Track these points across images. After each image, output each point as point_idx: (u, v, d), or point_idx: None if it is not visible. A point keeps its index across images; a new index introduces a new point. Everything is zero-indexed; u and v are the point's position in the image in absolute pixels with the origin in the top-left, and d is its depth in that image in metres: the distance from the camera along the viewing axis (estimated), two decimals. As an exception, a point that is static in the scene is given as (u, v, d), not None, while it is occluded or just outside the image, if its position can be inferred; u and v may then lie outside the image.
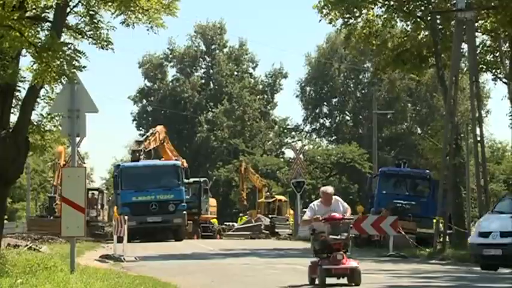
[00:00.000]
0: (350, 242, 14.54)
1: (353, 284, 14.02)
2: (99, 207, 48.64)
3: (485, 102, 71.91)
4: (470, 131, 38.64)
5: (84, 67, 14.89)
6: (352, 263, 14.08)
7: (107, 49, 16.56)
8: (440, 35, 37.28)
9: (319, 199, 14.78)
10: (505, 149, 76.98)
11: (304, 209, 53.85)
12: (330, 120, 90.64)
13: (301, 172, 46.42)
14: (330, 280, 13.92)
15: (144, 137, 48.77)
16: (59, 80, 14.55)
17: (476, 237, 21.48)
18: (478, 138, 33.39)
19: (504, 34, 36.41)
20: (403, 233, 28.85)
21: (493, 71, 40.16)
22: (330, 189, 14.96)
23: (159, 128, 50.52)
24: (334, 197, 14.72)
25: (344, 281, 14.06)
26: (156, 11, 14.70)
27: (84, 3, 16.73)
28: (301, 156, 49.42)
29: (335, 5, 36.12)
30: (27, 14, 15.68)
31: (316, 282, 14.22)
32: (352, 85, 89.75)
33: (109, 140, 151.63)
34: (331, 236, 14.07)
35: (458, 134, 36.22)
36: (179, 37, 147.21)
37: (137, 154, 44.09)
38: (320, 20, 36.99)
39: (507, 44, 37.61)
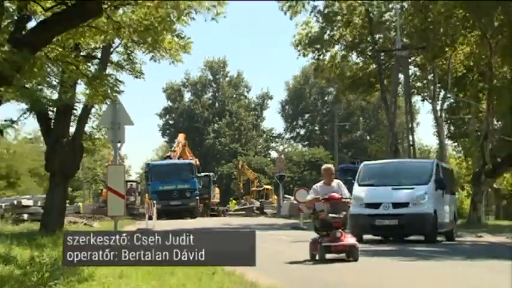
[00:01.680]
0: (348, 220, 12.00)
1: (351, 260, 11.56)
2: (137, 194, 48.53)
3: (416, 117, 71.98)
4: (405, 137, 38.67)
5: (122, 91, 14.88)
6: (350, 240, 11.66)
7: (139, 78, 16.64)
8: (383, 67, 37.41)
9: (322, 181, 12.14)
10: (430, 150, 77.18)
11: (286, 195, 54.23)
12: (304, 130, 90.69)
13: (283, 168, 46.33)
14: (329, 255, 11.62)
15: (173, 148, 49.43)
16: (104, 101, 14.49)
17: (363, 208, 17.30)
18: (411, 143, 33.53)
19: (430, 67, 36.55)
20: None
21: (422, 93, 40.29)
22: (329, 165, 12.51)
23: (181, 137, 50.73)
24: (336, 180, 12.23)
25: (343, 256, 11.67)
26: (176, 50, 14.66)
27: (123, 45, 16.77)
28: (282, 156, 49.35)
29: (307, 46, 36.37)
30: (81, 53, 15.68)
31: (317, 258, 11.70)
32: (319, 104, 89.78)
33: (141, 145, 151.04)
34: (330, 215, 11.59)
35: (397, 140, 36.28)
36: (193, 69, 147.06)
37: (170, 157, 45.62)
38: (298, 58, 37.23)
39: (431, 75, 37.77)
